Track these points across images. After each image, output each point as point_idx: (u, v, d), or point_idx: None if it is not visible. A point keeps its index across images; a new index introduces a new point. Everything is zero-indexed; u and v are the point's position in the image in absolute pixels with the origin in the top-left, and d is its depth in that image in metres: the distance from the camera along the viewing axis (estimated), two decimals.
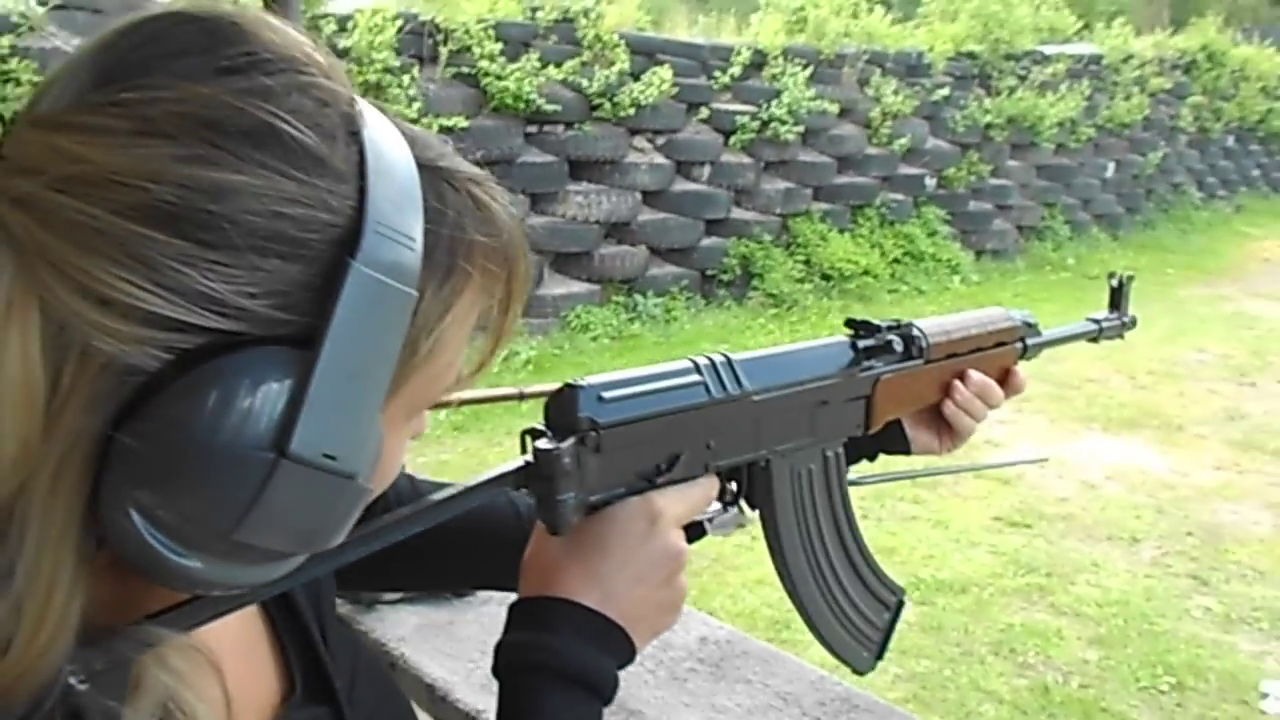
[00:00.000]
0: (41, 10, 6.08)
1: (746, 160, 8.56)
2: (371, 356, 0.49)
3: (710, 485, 0.79)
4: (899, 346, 0.95)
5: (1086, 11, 13.85)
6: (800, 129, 8.69)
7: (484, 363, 0.60)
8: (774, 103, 8.58)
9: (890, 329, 0.96)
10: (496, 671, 0.70)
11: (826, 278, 8.57)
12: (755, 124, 8.50)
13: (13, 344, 0.44)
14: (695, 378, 0.77)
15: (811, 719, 1.20)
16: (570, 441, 0.68)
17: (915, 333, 0.97)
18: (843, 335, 0.94)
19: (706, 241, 8.23)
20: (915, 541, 4.33)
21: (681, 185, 8.20)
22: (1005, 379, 1.06)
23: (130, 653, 0.50)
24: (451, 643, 1.37)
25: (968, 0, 10.79)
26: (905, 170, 9.61)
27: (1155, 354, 6.83)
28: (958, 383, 1.01)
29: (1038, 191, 10.75)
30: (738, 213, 8.49)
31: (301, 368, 0.47)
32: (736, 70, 8.63)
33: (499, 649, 0.70)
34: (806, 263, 8.57)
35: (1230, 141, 13.39)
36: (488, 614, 1.44)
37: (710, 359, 0.79)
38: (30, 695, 0.46)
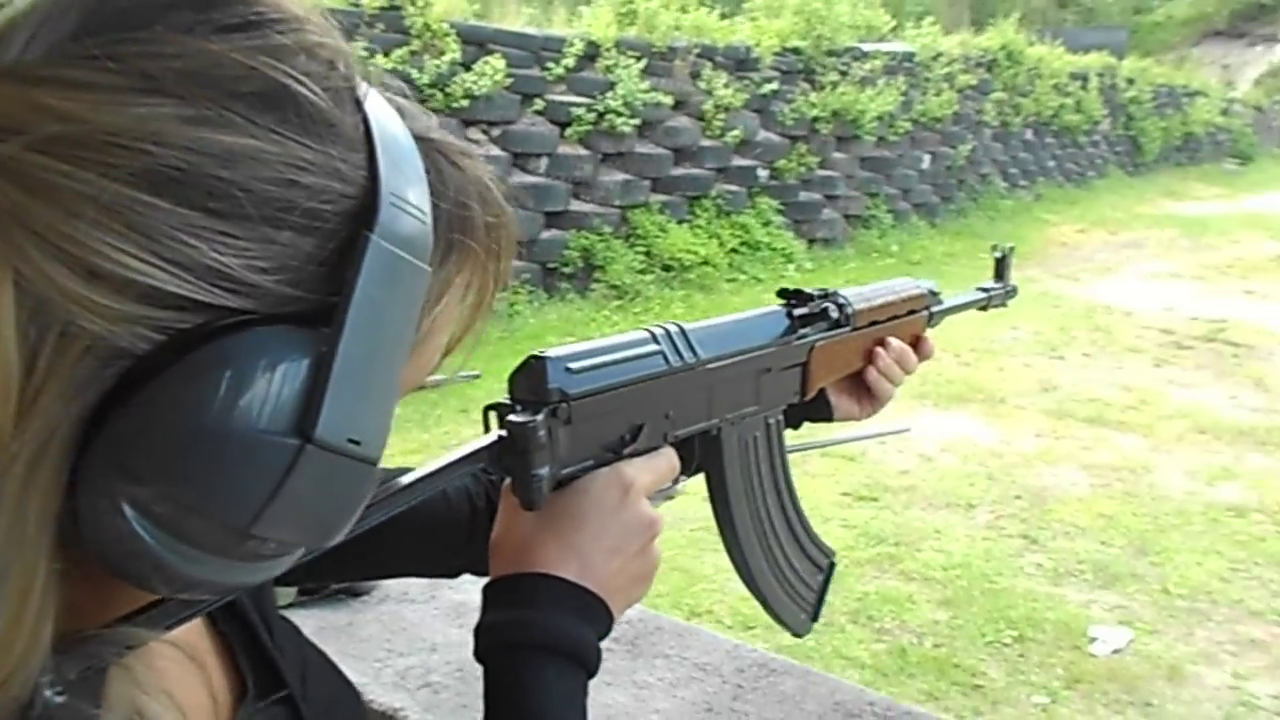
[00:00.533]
0: None
1: (584, 152, 8.60)
2: (390, 336, 0.46)
3: (673, 456, 0.78)
4: (834, 313, 0.97)
5: (896, 11, 14.51)
6: (636, 121, 8.79)
7: (461, 342, 0.57)
8: (609, 95, 8.64)
9: (821, 297, 0.98)
10: (479, 654, 0.68)
11: (667, 268, 8.72)
12: (591, 116, 8.53)
13: None
14: (654, 347, 0.77)
15: (733, 685, 1.23)
16: (543, 414, 0.67)
17: (842, 300, 0.99)
18: (775, 305, 0.95)
19: (546, 234, 8.23)
20: None
21: (519, 178, 8.13)
22: (916, 344, 1.10)
23: (107, 658, 0.46)
24: (354, 643, 1.36)
25: None
26: (739, 162, 9.87)
27: (976, 333, 7.27)
28: (879, 349, 1.04)
29: (862, 182, 11.23)
30: (577, 205, 8.52)
31: (319, 347, 0.43)
32: (570, 62, 8.64)
33: (480, 630, 0.68)
34: (647, 254, 8.69)
35: (1029, 135, 14.30)
36: (386, 612, 1.42)
37: (665, 328, 0.79)
38: (11, 711, 0.42)
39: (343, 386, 0.43)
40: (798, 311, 0.94)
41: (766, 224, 9.78)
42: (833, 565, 0.97)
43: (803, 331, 0.94)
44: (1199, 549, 4.33)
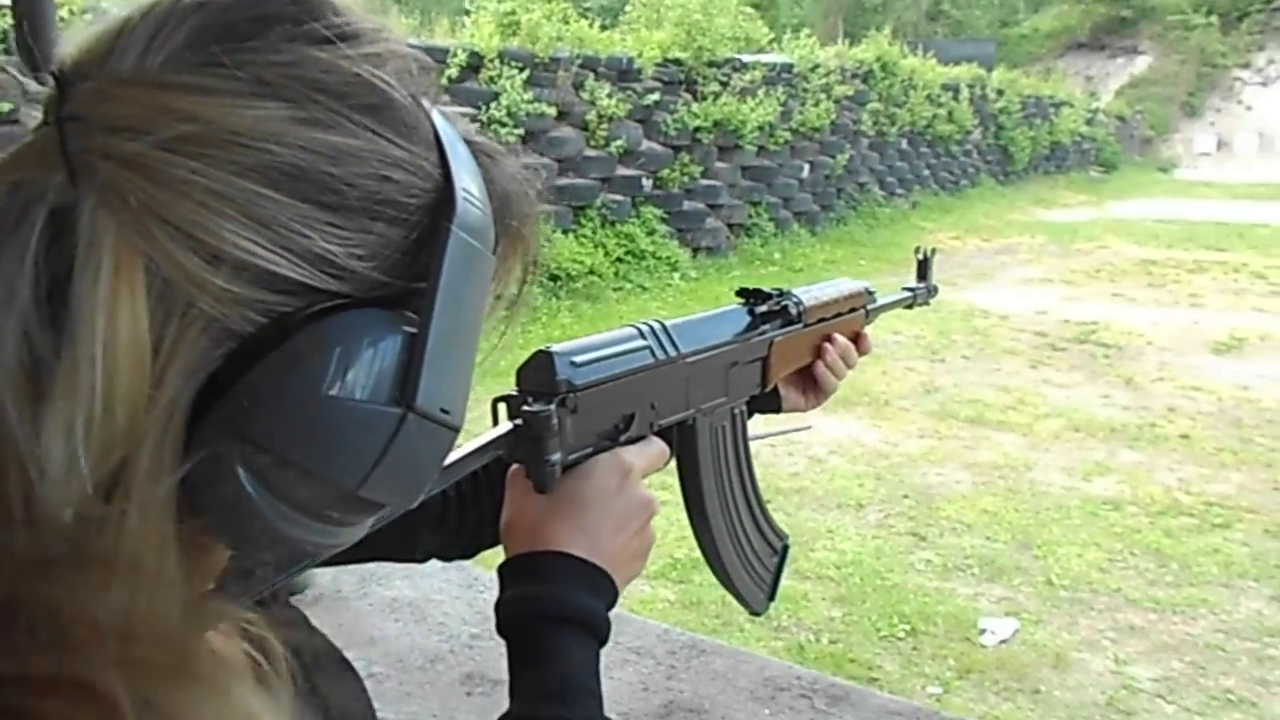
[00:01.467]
0: None
1: None
2: (468, 315, 0.50)
3: (662, 443, 0.84)
4: (792, 310, 1.03)
5: (772, 24, 14.81)
6: (521, 131, 8.77)
7: (504, 332, 0.61)
8: (493, 105, 8.61)
9: (778, 296, 1.03)
10: (500, 628, 0.73)
11: (554, 278, 8.67)
12: (475, 125, 8.43)
13: (123, 305, 0.42)
14: (642, 342, 0.83)
15: (666, 666, 1.27)
16: (554, 403, 0.73)
17: (797, 298, 1.04)
18: (734, 303, 1.01)
19: None
20: (665, 524, 4.43)
21: None
22: (857, 340, 1.16)
23: (209, 624, 0.49)
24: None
25: (671, 9, 11.29)
26: (623, 171, 9.90)
27: None
28: (827, 345, 1.09)
29: (744, 191, 11.41)
30: None
31: (407, 327, 0.48)
32: (454, 72, 8.60)
33: (500, 605, 0.73)
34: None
35: (904, 144, 14.77)
36: (323, 609, 1.47)
37: (650, 325, 0.85)
38: None
39: (434, 361, 0.48)
40: (759, 309, 1.00)
41: (651, 233, 9.84)
42: (786, 548, 1.03)
43: (764, 327, 0.99)
44: (1078, 541, 4.48)
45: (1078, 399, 6.57)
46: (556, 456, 0.73)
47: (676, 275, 9.68)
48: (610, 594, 0.75)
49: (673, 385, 0.86)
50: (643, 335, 0.83)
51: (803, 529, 4.55)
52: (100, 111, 0.44)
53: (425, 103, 0.51)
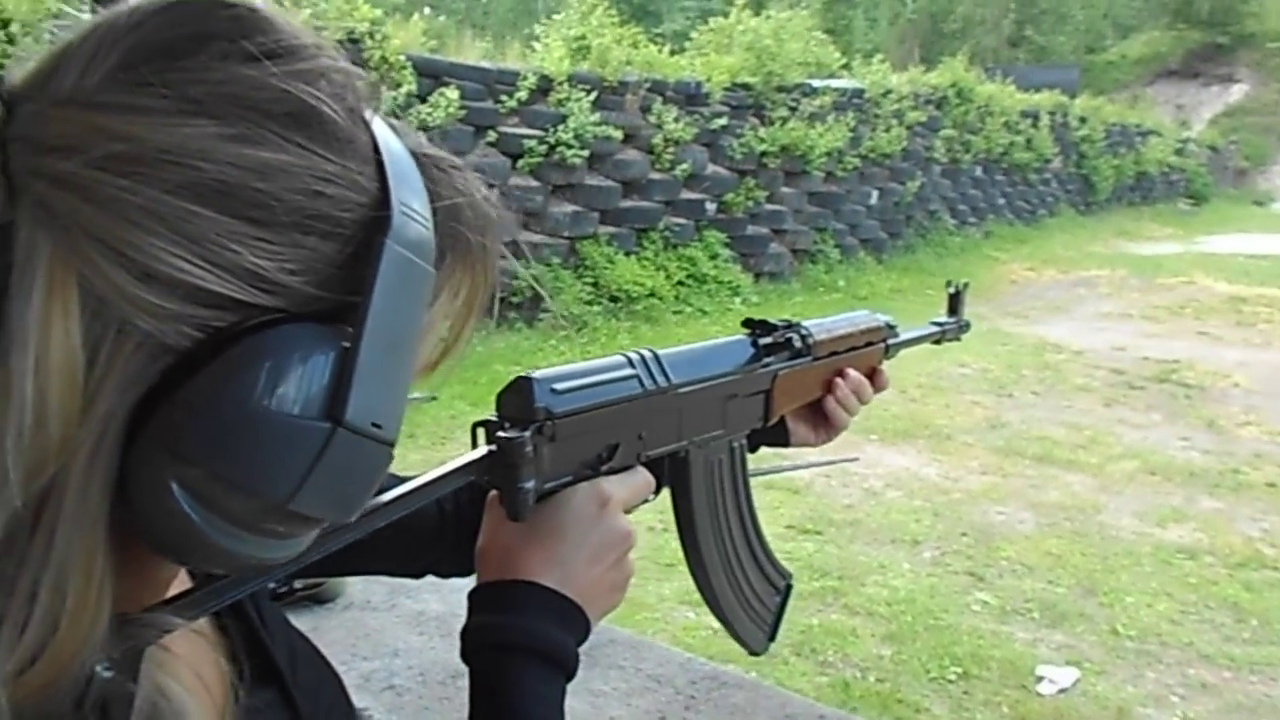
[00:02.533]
0: None
1: (534, 184, 8.57)
2: (405, 331, 0.50)
3: (647, 474, 0.82)
4: (797, 343, 1.00)
5: (845, 49, 14.72)
6: (586, 153, 8.78)
7: (450, 348, 0.61)
8: (560, 128, 8.63)
9: (785, 328, 1.00)
10: (465, 656, 0.72)
11: (614, 299, 8.67)
12: (543, 148, 8.52)
13: (56, 323, 0.43)
14: (630, 371, 0.81)
15: (685, 696, 1.27)
16: (530, 430, 0.71)
17: (805, 331, 1.02)
18: (740, 334, 0.98)
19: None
20: None
21: None
22: (873, 376, 1.12)
23: (146, 640, 0.50)
24: (320, 646, 1.37)
25: (742, 34, 11.26)
26: (687, 195, 9.86)
27: (923, 369, 7.27)
28: (838, 379, 1.06)
29: (810, 217, 11.28)
30: (526, 235, 8.46)
31: (341, 341, 0.48)
32: (523, 95, 8.64)
33: (466, 633, 0.72)
34: (595, 285, 8.64)
35: (979, 172, 14.51)
36: (350, 619, 1.49)
37: (640, 354, 0.83)
38: (72, 686, 0.46)
39: (366, 376, 0.48)
40: (763, 340, 0.97)
41: (714, 257, 9.77)
42: (789, 587, 1.00)
43: (767, 360, 0.97)
44: (1149, 590, 4.26)
45: (1155, 440, 6.29)
46: (530, 484, 0.72)
47: (738, 300, 9.59)
48: (581, 627, 0.74)
49: (663, 416, 0.84)
50: (631, 364, 0.82)
51: (854, 562, 4.42)
52: (38, 132, 0.45)
53: (367, 117, 0.52)
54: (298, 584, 1.36)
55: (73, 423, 0.44)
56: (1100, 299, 11.10)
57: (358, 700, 1.25)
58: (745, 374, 0.94)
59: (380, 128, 0.53)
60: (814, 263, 11.07)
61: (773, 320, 1.01)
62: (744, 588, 0.95)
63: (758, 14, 11.79)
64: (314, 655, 0.80)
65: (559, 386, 0.74)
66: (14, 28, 5.91)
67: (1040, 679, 3.55)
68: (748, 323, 1.00)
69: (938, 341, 1.32)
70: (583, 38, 9.61)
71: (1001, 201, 15.05)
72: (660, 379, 0.83)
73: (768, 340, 0.98)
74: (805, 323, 1.04)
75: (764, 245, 10.54)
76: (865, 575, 4.31)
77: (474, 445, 0.73)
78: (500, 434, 0.71)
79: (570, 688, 1.26)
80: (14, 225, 0.43)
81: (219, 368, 0.45)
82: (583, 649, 1.35)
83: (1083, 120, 17.19)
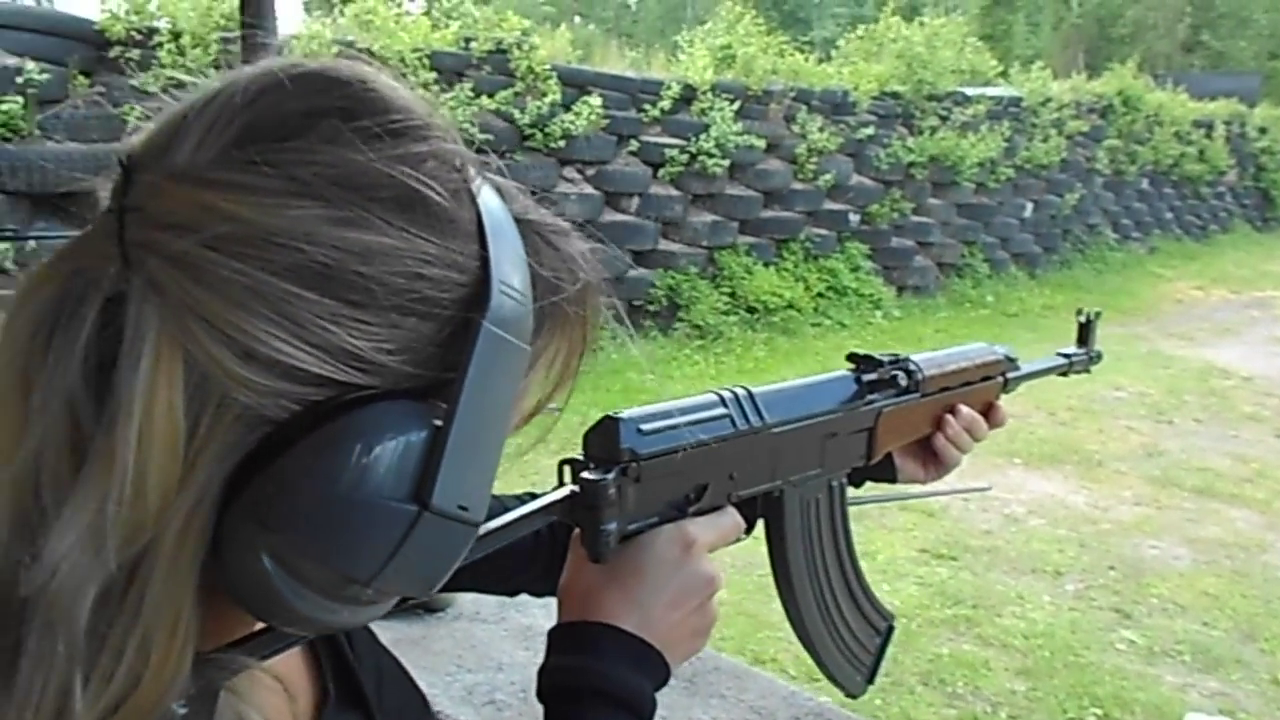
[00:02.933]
0: None
1: (675, 193, 8.57)
2: (496, 410, 0.50)
3: (736, 515, 0.81)
4: (902, 381, 0.97)
5: (1004, 55, 14.24)
6: (728, 163, 8.72)
7: (542, 407, 0.61)
8: (702, 137, 8.61)
9: (891, 364, 0.98)
10: (541, 695, 0.72)
11: (752, 310, 8.58)
12: (684, 157, 8.52)
13: (160, 395, 0.44)
14: (722, 410, 0.79)
15: None
16: (614, 472, 0.71)
17: (913, 367, 0.99)
18: (844, 369, 0.96)
19: (634, 273, 8.18)
20: None
21: (610, 216, 8.17)
22: (989, 412, 1.09)
23: (220, 680, 0.51)
24: (427, 656, 1.46)
25: (892, 42, 11.01)
26: (830, 206, 9.68)
27: (1074, 391, 6.91)
28: (949, 416, 1.04)
29: (958, 229, 10.92)
30: (665, 244, 8.47)
31: (433, 421, 0.48)
32: (666, 104, 8.66)
33: (542, 673, 0.72)
34: (732, 295, 8.58)
35: (1145, 184, 13.77)
36: (459, 629, 1.52)
37: (734, 392, 0.81)
38: None
39: (455, 458, 0.48)
40: (866, 377, 0.95)
41: (855, 269, 9.57)
42: (891, 629, 0.98)
43: (870, 397, 0.95)
44: None
45: None
46: (612, 526, 0.71)
47: (879, 313, 9.36)
48: (659, 672, 0.73)
49: (756, 455, 0.82)
50: (724, 403, 0.80)
51: (989, 592, 4.22)
52: (153, 205, 0.46)
53: (474, 189, 0.52)
54: None
55: (171, 491, 0.45)
56: (1275, 322, 10.36)
57: (458, 713, 1.25)
58: (846, 412, 0.91)
59: (486, 199, 0.53)
60: (961, 277, 10.72)
61: (878, 355, 0.98)
62: (840, 629, 0.93)
63: (910, 20, 11.51)
64: (400, 677, 0.81)
65: (646, 427, 0.73)
66: (185, 39, 6.25)
67: None
68: (852, 357, 0.98)
69: (1064, 374, 1.26)
70: (728, 46, 9.58)
71: (1169, 216, 14.25)
72: (753, 418, 0.81)
73: (872, 377, 0.96)
74: (914, 357, 1.01)
75: (908, 258, 10.26)
76: (1001, 605, 4.12)
77: (560, 483, 0.73)
78: (584, 475, 0.71)
79: (668, 715, 1.23)
80: (127, 297, 0.45)
81: (311, 443, 0.46)
82: (685, 676, 1.32)
83: (1263, 131, 16.09)
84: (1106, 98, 13.13)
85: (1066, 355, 1.26)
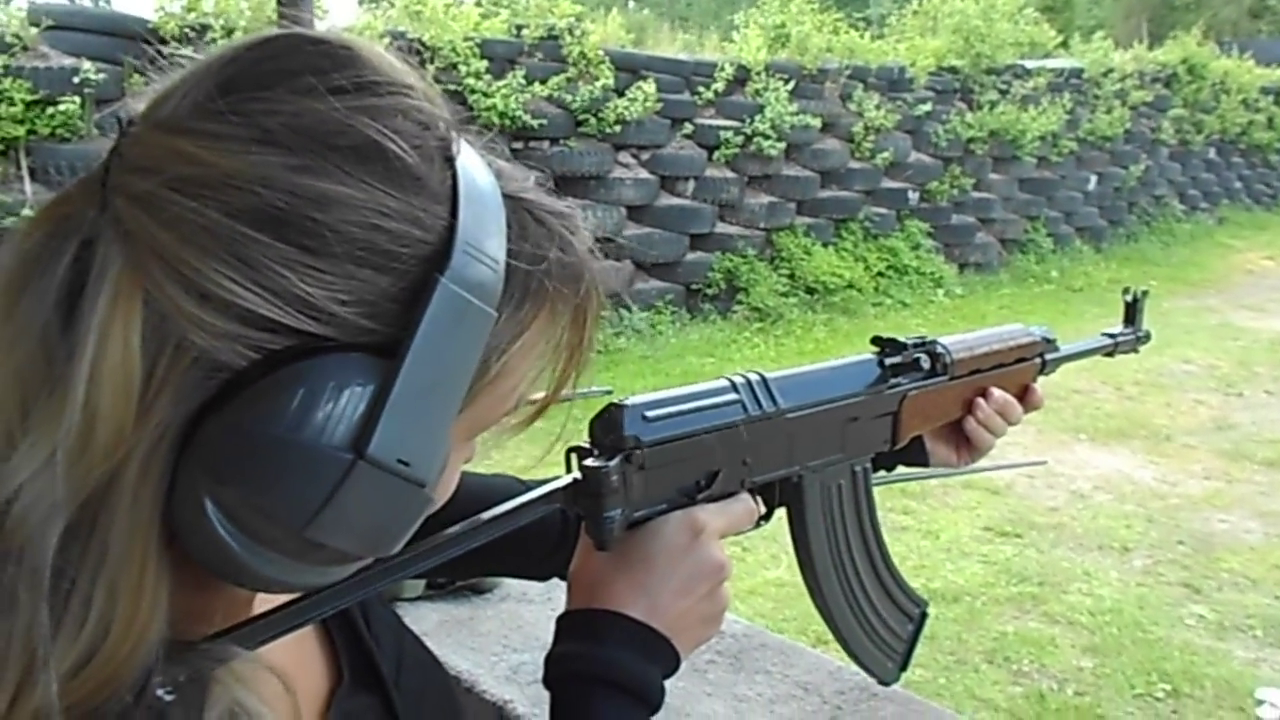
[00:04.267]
0: (35, 31, 6.08)
1: (730, 175, 8.56)
2: (450, 371, 0.50)
3: (749, 501, 0.80)
4: (925, 364, 0.96)
5: (1065, 26, 13.95)
6: (783, 144, 8.69)
7: (554, 393, 0.61)
8: (757, 118, 8.57)
9: (916, 346, 0.97)
10: (548, 682, 0.71)
11: (811, 291, 8.56)
12: (739, 139, 8.49)
13: (115, 332, 0.45)
14: (733, 396, 0.79)
15: (832, 706, 1.22)
16: (617, 459, 0.70)
17: (940, 349, 0.98)
18: (868, 353, 0.95)
19: (691, 256, 8.20)
20: (906, 551, 4.28)
21: (666, 200, 8.18)
22: (1024, 395, 1.07)
23: (208, 667, 0.51)
24: (474, 637, 1.41)
25: (948, 16, 10.86)
26: (888, 184, 9.60)
27: (1141, 365, 6.81)
28: (980, 400, 1.02)
29: (1020, 205, 10.77)
30: (722, 227, 8.47)
31: (383, 375, 0.48)
32: (720, 86, 8.64)
33: (549, 660, 0.72)
34: (791, 277, 8.56)
35: (1212, 154, 13.43)
36: (506, 610, 1.49)
37: (746, 377, 0.80)
38: (121, 694, 0.47)
39: (398, 412, 0.48)
40: (889, 360, 0.94)
41: (915, 247, 9.49)
42: (924, 615, 0.96)
43: (894, 381, 0.93)
44: None
45: None
46: (615, 514, 0.71)
47: (941, 292, 9.27)
48: (668, 659, 0.72)
49: (770, 441, 0.81)
50: (735, 388, 0.79)
51: (1055, 569, 4.20)
52: (129, 152, 0.48)
53: (452, 154, 0.52)
54: None
55: (125, 429, 0.45)
56: None
57: (504, 691, 1.30)
58: (867, 396, 0.90)
59: (472, 168, 0.53)
60: (1024, 253, 10.57)
61: (904, 338, 0.97)
62: (869, 616, 0.93)
63: None
64: (425, 660, 0.81)
65: (652, 414, 0.73)
66: (236, 35, 6.39)
67: (1261, 702, 3.27)
68: (876, 340, 0.97)
69: (1110, 354, 1.23)
70: (781, 26, 9.51)
71: (1238, 185, 13.88)
72: (766, 403, 0.80)
73: (895, 360, 0.94)
74: (942, 339, 1.00)
75: (970, 235, 10.15)
76: (1068, 582, 4.10)
77: (567, 470, 0.73)
78: (585, 462, 0.71)
79: (714, 691, 1.26)
80: (99, 237, 0.47)
81: (259, 390, 0.47)
82: (730, 652, 1.34)
83: None
84: (1170, 67, 12.80)
85: (1112, 335, 1.23)
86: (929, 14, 11.25)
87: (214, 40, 6.32)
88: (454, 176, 0.52)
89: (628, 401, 0.73)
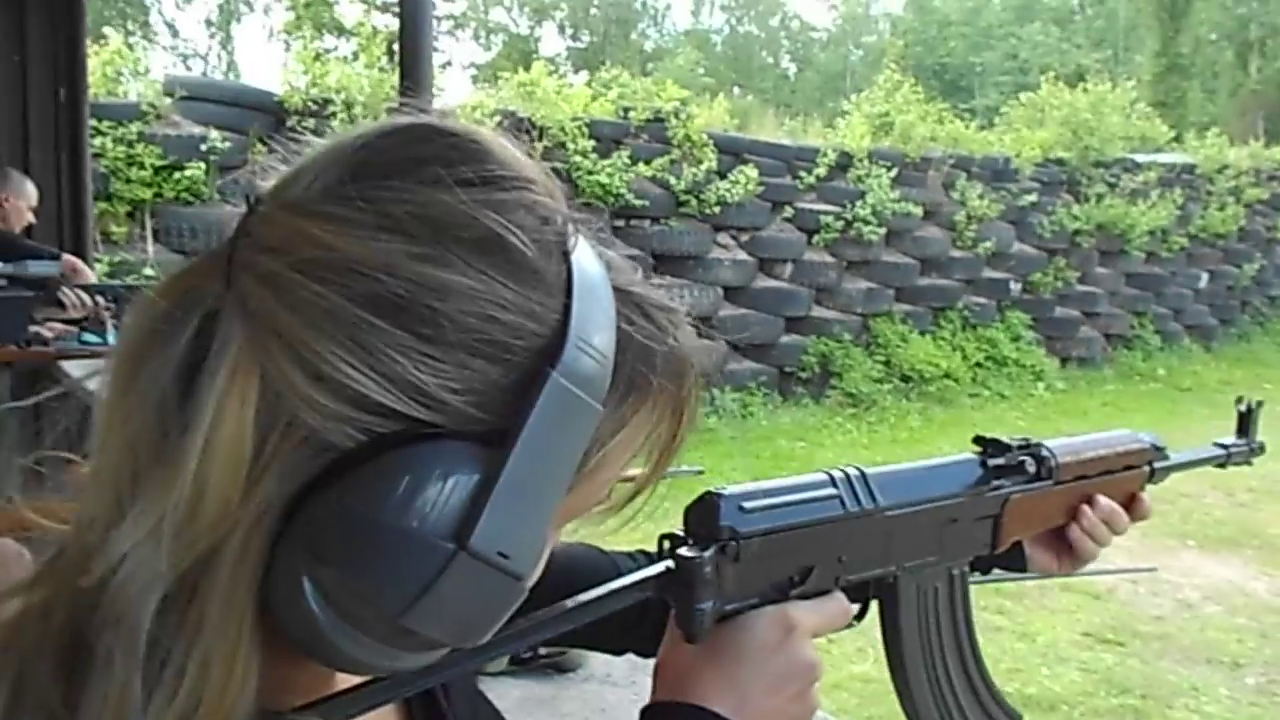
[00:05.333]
0: (169, 100, 6.46)
1: (829, 259, 8.57)
2: (555, 463, 0.50)
3: (844, 601, 0.78)
4: (1030, 467, 0.93)
5: (1178, 122, 13.73)
6: (883, 230, 8.70)
7: (647, 480, 0.61)
8: (858, 203, 8.61)
9: (1021, 448, 0.93)
10: None
11: (906, 379, 8.45)
12: (839, 224, 8.52)
13: (231, 407, 0.46)
14: (831, 491, 0.77)
15: None
16: (711, 550, 0.68)
17: (1045, 453, 0.95)
18: (970, 452, 0.93)
19: (786, 339, 8.20)
20: (1000, 653, 4.13)
21: (763, 282, 8.22)
22: (1131, 503, 1.03)
23: None
24: (555, 717, 1.40)
25: (1056, 109, 10.79)
26: (989, 274, 9.51)
27: (1255, 471, 6.38)
28: (1085, 507, 0.99)
29: (1127, 300, 10.55)
30: (818, 311, 8.46)
31: (489, 466, 0.48)
32: (822, 171, 8.72)
33: None
34: (886, 363, 8.48)
35: None
36: (589, 691, 1.47)
37: (845, 472, 0.78)
38: None
39: (502, 503, 0.48)
40: (993, 462, 0.91)
41: (1016, 339, 9.33)
42: None
43: (996, 483, 0.90)
44: None
45: None
46: (707, 605, 0.68)
47: (1041, 385, 9.06)
48: None
49: (867, 539, 0.79)
50: (834, 483, 0.77)
51: (1160, 681, 4.01)
52: (260, 231, 0.49)
53: (569, 249, 0.53)
54: (542, 650, 1.39)
55: (231, 504, 0.46)
56: None
57: None
58: (969, 498, 0.87)
59: (586, 262, 0.53)
60: (1130, 349, 10.29)
61: (1007, 439, 0.93)
62: None
63: (1074, 87, 11.26)
64: None
65: (749, 505, 0.71)
66: (356, 109, 6.68)
67: None
68: (978, 440, 0.94)
69: (1222, 465, 1.18)
70: (886, 114, 9.58)
71: None
72: (865, 500, 0.78)
73: (999, 462, 0.91)
74: (1049, 443, 0.96)
75: (1073, 329, 9.94)
76: (1173, 697, 3.90)
77: (660, 557, 0.71)
78: (680, 551, 0.69)
79: None
80: (221, 312, 0.48)
81: (364, 472, 0.47)
82: None
83: None
84: None
85: (1224, 446, 1.18)
86: (1037, 105, 11.19)
87: (334, 114, 6.61)
88: (569, 270, 0.52)
89: (725, 491, 0.71)
